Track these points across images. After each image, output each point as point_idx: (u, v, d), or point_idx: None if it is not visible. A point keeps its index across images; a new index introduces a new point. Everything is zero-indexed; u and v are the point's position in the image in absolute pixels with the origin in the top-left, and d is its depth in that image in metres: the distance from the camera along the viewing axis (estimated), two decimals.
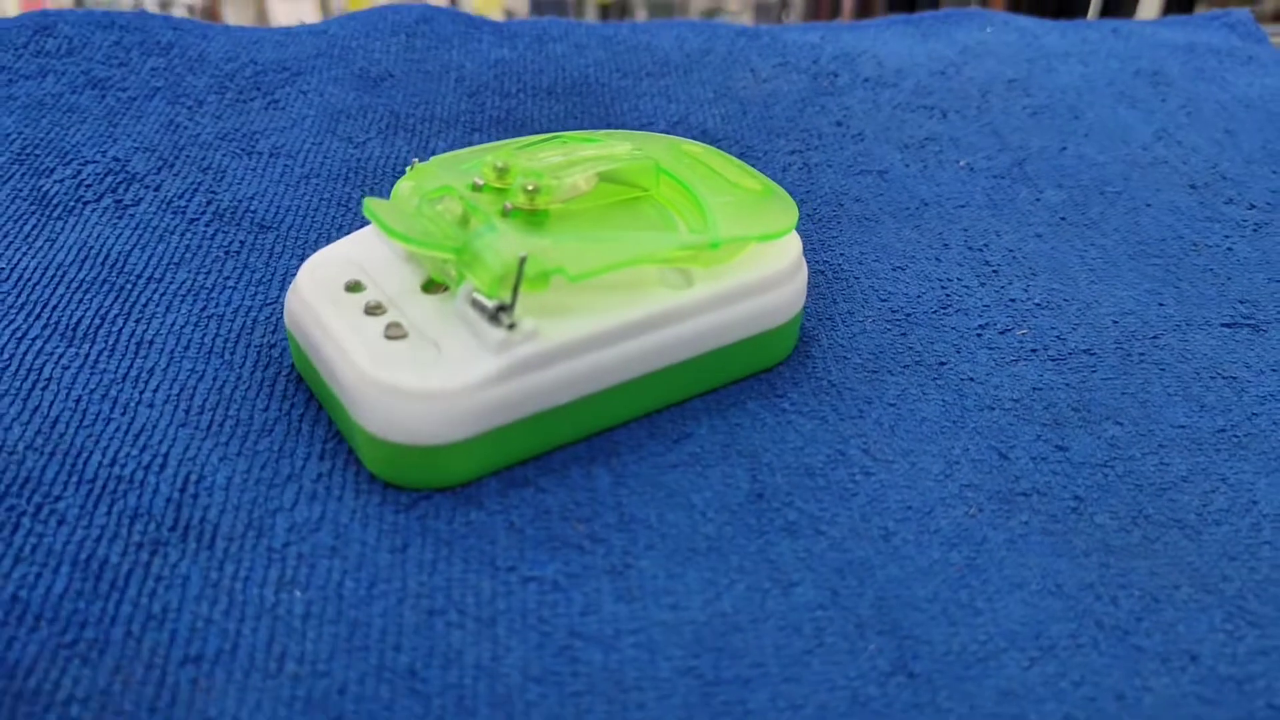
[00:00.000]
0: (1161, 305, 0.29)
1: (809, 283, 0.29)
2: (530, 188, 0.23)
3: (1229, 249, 0.31)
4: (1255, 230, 0.32)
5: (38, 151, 0.33)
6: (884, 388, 0.25)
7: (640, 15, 1.95)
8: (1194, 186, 0.34)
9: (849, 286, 0.29)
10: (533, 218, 0.23)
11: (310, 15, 1.84)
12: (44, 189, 0.32)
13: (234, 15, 1.80)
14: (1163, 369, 0.26)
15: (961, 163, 0.35)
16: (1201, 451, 0.24)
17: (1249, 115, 0.38)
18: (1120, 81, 0.40)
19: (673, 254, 0.23)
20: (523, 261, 0.21)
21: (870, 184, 0.34)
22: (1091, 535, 0.22)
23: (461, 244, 0.22)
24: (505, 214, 0.23)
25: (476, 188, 0.24)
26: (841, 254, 0.30)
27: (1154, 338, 0.27)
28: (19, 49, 0.39)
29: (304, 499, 0.21)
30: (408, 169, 0.25)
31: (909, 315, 0.28)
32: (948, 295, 0.29)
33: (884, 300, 0.28)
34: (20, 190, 0.31)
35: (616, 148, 0.26)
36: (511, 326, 0.21)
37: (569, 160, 0.25)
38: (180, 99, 0.37)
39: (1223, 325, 0.28)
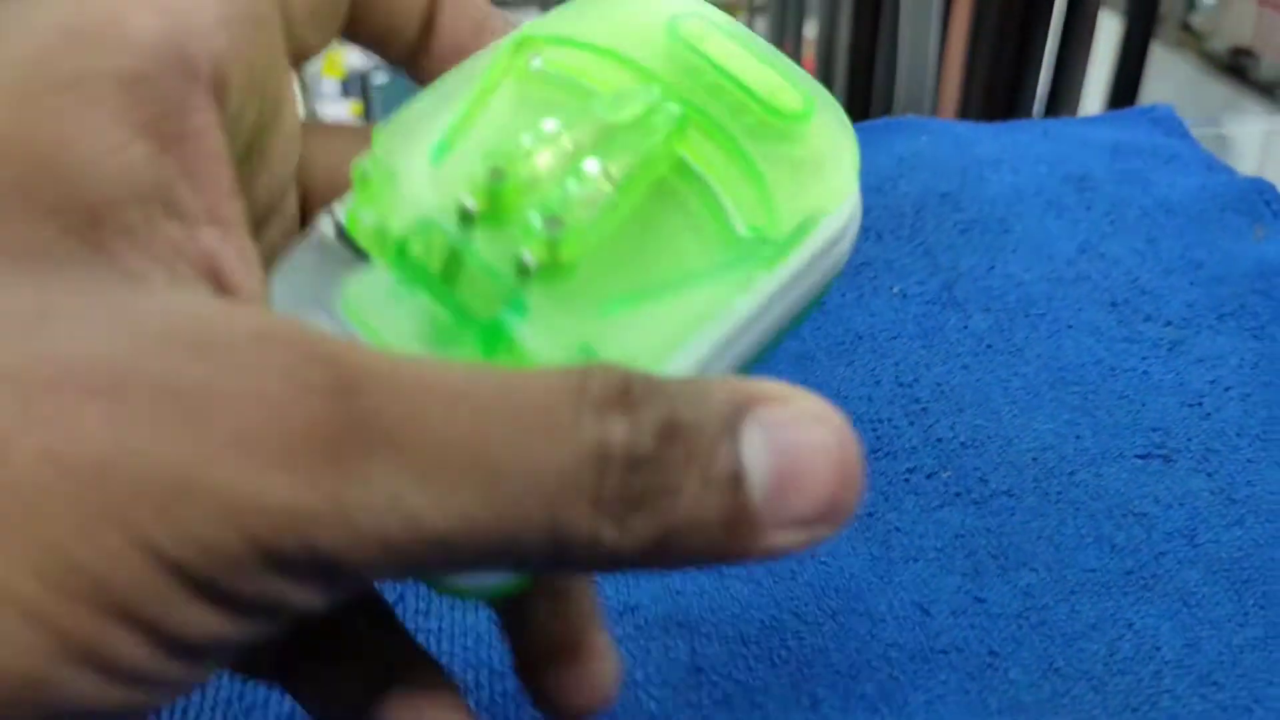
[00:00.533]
0: (1078, 438, 0.31)
1: None
2: (550, 230, 0.17)
3: (1144, 372, 0.33)
4: (1170, 350, 0.34)
5: None
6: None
7: None
8: (1114, 304, 0.36)
9: None
10: (556, 270, 0.18)
11: (345, 111, 1.86)
12: None
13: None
14: (1077, 508, 0.28)
15: (895, 289, 0.37)
16: (1110, 595, 0.26)
17: (1170, 221, 0.40)
18: (1048, 189, 0.42)
19: (745, 276, 0.18)
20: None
21: None
22: (1005, 692, 0.23)
23: (487, 333, 0.17)
24: (525, 273, 0.18)
25: (466, 216, 0.18)
26: None
27: (1070, 474, 0.29)
28: None
29: None
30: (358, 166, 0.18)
31: None
32: (878, 438, 0.30)
33: None
34: None
35: (630, 103, 0.19)
36: None
37: (578, 151, 0.18)
38: None
39: (1135, 456, 0.30)
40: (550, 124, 0.18)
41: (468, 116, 0.19)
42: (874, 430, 0.31)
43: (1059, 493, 0.29)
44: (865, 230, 0.40)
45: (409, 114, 0.19)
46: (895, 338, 0.35)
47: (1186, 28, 1.19)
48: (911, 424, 0.31)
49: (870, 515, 0.28)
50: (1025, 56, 1.09)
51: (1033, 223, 0.40)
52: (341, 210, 0.18)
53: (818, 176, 0.20)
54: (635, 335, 0.17)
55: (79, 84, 0.14)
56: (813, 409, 0.15)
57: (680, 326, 0.18)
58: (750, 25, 1.39)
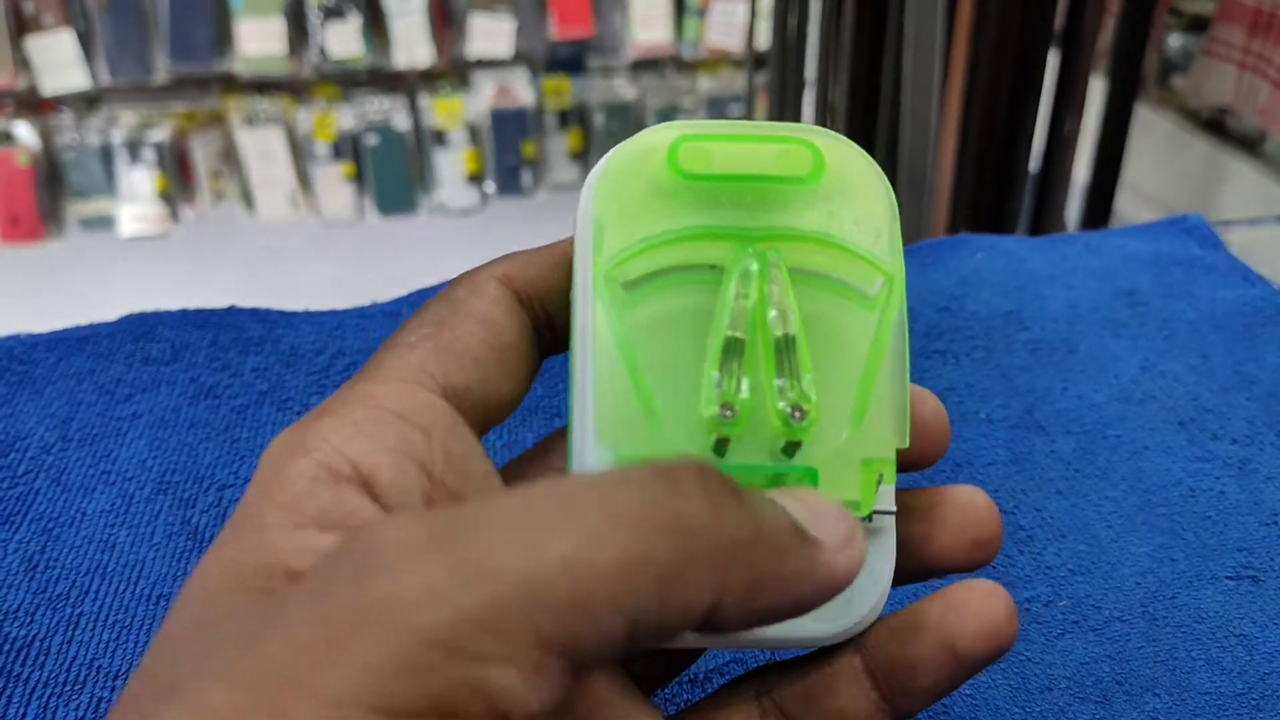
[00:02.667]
0: (1173, 560, 0.34)
1: None
2: (799, 419, 0.21)
3: (1221, 492, 0.36)
4: (1240, 469, 0.37)
5: (176, 478, 0.38)
6: None
7: (598, 119, 2.03)
8: (1182, 423, 0.40)
9: None
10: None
11: (338, 172, 1.88)
12: (193, 521, 0.36)
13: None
14: (1184, 631, 0.31)
15: (981, 415, 0.40)
16: (1227, 717, 0.29)
17: (1218, 336, 0.44)
18: (1103, 306, 0.46)
19: (896, 309, 0.23)
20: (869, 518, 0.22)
21: None
22: None
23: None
24: (787, 453, 0.22)
25: (720, 447, 0.22)
26: None
27: (1171, 598, 0.33)
28: (128, 358, 0.43)
29: None
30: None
31: None
32: (995, 568, 0.34)
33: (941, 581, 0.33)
34: (172, 525, 0.36)
35: (739, 287, 0.23)
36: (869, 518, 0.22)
37: (751, 347, 0.22)
38: (287, 404, 0.41)
39: (1226, 578, 0.33)
40: (721, 338, 0.22)
41: (638, 373, 0.22)
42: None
43: (1165, 616, 0.32)
44: (943, 353, 0.43)
45: (605, 402, 0.22)
46: (990, 464, 0.38)
47: (1168, 87, 1.24)
48: (1021, 552, 0.34)
49: None
50: (1018, 119, 1.14)
51: (1094, 341, 0.44)
52: None
53: (862, 197, 0.23)
54: (880, 422, 0.22)
55: (261, 518, 0.19)
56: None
57: (898, 382, 0.22)
58: (751, 78, 1.43)
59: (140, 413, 0.41)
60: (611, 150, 0.23)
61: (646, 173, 0.23)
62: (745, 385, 0.21)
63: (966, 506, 0.23)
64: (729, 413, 0.21)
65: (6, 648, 0.31)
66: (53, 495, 0.37)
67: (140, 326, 0.45)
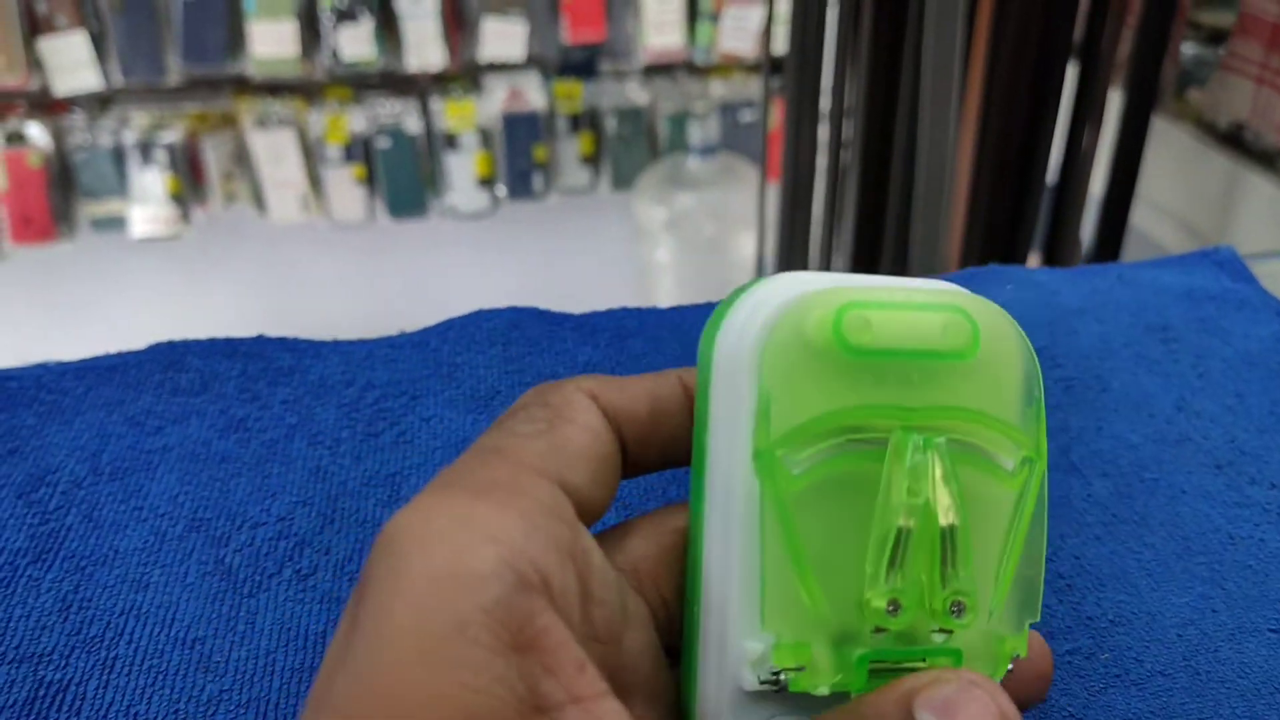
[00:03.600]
0: (1214, 612, 0.34)
1: None
2: (962, 617, 0.22)
3: (1261, 540, 0.36)
4: None
5: (208, 515, 0.38)
6: None
7: (610, 123, 2.02)
8: (1219, 466, 0.39)
9: None
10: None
11: (349, 175, 1.87)
12: (226, 560, 0.36)
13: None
14: (1227, 686, 0.31)
15: None
16: None
17: (1253, 374, 0.44)
18: (1135, 341, 0.45)
19: (1035, 487, 0.23)
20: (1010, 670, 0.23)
21: None
22: None
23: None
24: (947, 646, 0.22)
25: (881, 632, 0.22)
26: None
27: (1214, 651, 0.32)
28: (157, 388, 0.43)
29: None
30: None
31: None
32: None
33: None
34: (205, 564, 0.36)
35: (905, 476, 0.22)
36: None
37: (919, 539, 0.22)
38: (317, 438, 0.41)
39: (1269, 630, 0.33)
40: (894, 526, 0.21)
41: (801, 563, 0.22)
42: None
43: (1208, 670, 0.32)
44: None
45: (770, 594, 0.22)
46: None
47: (1184, 100, 1.24)
48: (1060, 602, 0.34)
49: (1046, 701, 0.31)
50: (1036, 131, 1.14)
51: (1128, 378, 0.44)
52: (752, 675, 0.22)
53: (1010, 369, 0.23)
54: (1018, 598, 0.23)
55: (461, 628, 0.18)
56: (970, 677, 0.20)
57: (1035, 559, 0.23)
58: (767, 83, 1.42)
59: (170, 445, 0.40)
60: (774, 315, 0.22)
61: (812, 347, 0.22)
62: (911, 581, 0.22)
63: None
64: (896, 610, 0.21)
65: (43, 692, 0.31)
66: (84, 532, 0.37)
67: (169, 355, 0.45)
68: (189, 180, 1.98)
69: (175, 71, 1.88)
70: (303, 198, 2.00)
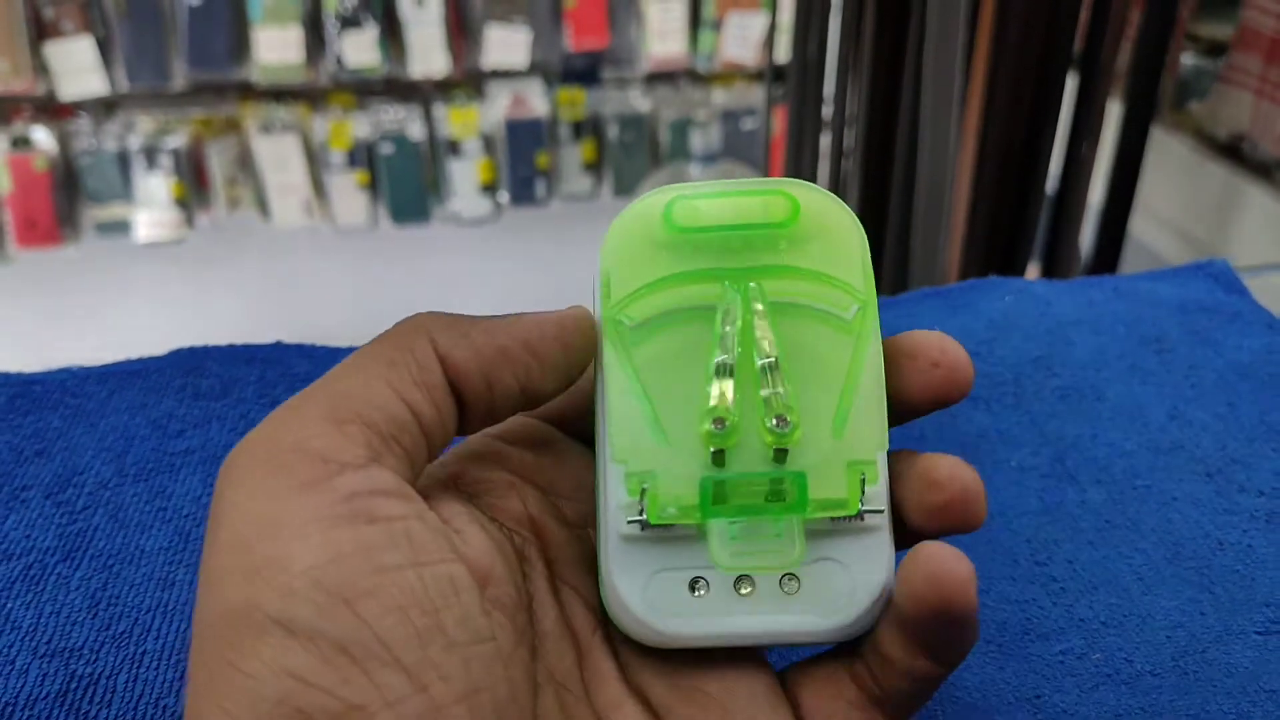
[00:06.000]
0: (1203, 614, 0.35)
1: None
2: (784, 428, 0.25)
3: (1249, 546, 0.37)
4: (1267, 521, 0.38)
5: None
6: None
7: (612, 130, 2.04)
8: (1209, 474, 0.40)
9: None
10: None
11: (352, 181, 1.89)
12: None
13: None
14: (1215, 686, 0.32)
15: (1012, 463, 0.41)
16: None
17: (1244, 385, 0.45)
18: (1130, 352, 0.47)
19: (870, 333, 0.26)
20: (863, 482, 0.25)
21: None
22: None
23: (795, 507, 0.24)
24: (778, 460, 0.25)
25: (719, 459, 0.25)
26: None
27: (1202, 652, 0.34)
28: (179, 393, 0.44)
29: None
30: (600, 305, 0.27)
31: (1000, 645, 0.34)
32: (1028, 619, 0.35)
33: None
34: None
35: (724, 315, 0.26)
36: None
37: (737, 363, 0.25)
38: None
39: (1256, 633, 0.34)
40: (713, 362, 0.25)
41: (646, 398, 0.26)
42: (1023, 611, 0.35)
43: (1196, 671, 0.33)
44: (974, 399, 0.44)
45: (616, 427, 0.26)
46: (1022, 514, 0.39)
47: (1184, 111, 1.25)
48: (1054, 604, 0.35)
49: (1039, 698, 0.32)
50: (1036, 141, 1.15)
51: (1122, 388, 0.45)
52: (624, 518, 0.25)
53: (835, 236, 0.27)
54: (861, 429, 0.25)
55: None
56: None
57: (875, 393, 0.25)
58: (769, 91, 1.44)
59: (193, 448, 0.42)
60: (618, 215, 0.27)
61: (646, 231, 0.27)
62: (734, 402, 0.25)
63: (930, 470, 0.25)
64: (721, 426, 0.25)
65: (74, 685, 0.32)
66: (111, 531, 0.38)
67: (189, 361, 0.46)
68: (193, 185, 1.99)
69: (180, 77, 1.90)
70: (306, 203, 2.01)
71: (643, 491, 0.25)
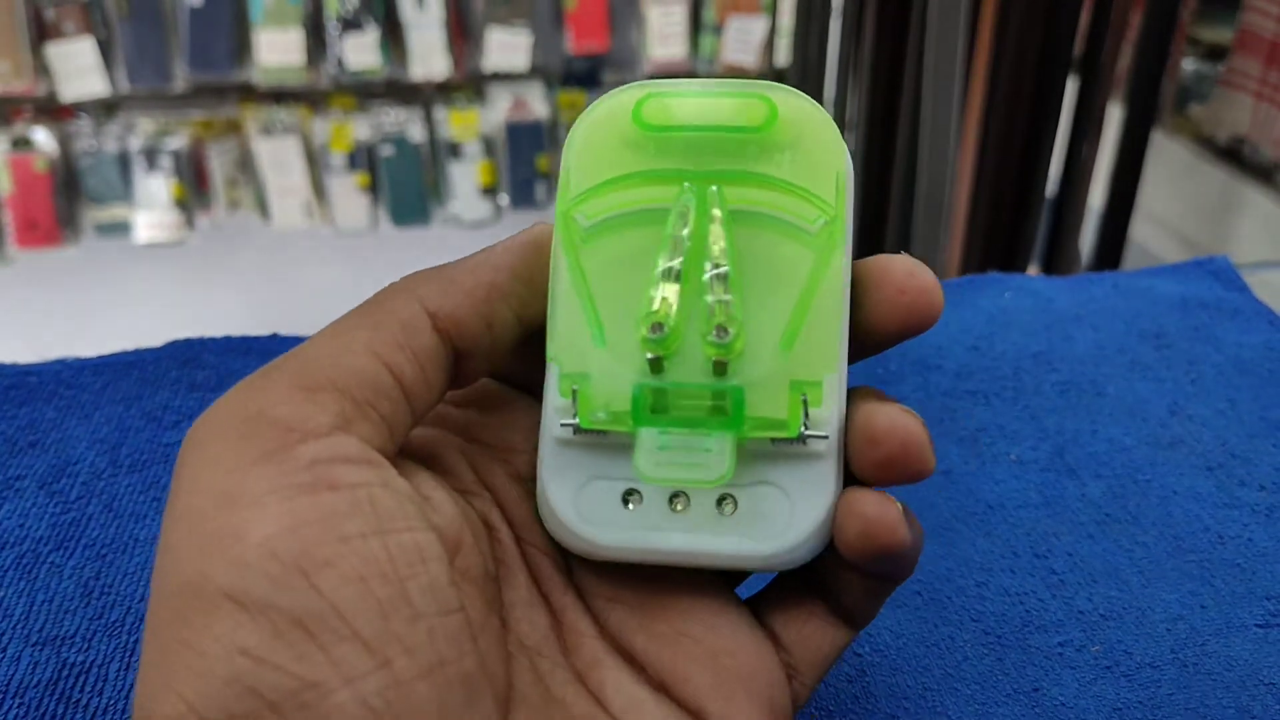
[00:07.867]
0: (1203, 608, 0.35)
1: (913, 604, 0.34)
2: (723, 338, 0.23)
3: (1249, 539, 0.37)
4: (1268, 515, 0.38)
5: None
6: None
7: None
8: (1210, 469, 0.40)
9: (943, 608, 0.35)
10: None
11: (353, 182, 1.89)
12: None
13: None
14: (1214, 679, 0.32)
15: (1012, 456, 0.41)
16: None
17: (1244, 381, 0.45)
18: (1130, 348, 0.47)
19: (837, 247, 0.24)
20: (805, 402, 0.23)
21: (938, 485, 0.39)
22: None
23: (732, 422, 0.23)
24: (724, 371, 0.24)
25: (658, 365, 0.24)
26: (930, 570, 0.36)
27: (1202, 645, 0.33)
28: (174, 384, 0.44)
29: None
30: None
31: (1000, 637, 0.34)
32: (1027, 611, 0.34)
33: (975, 621, 0.34)
34: None
35: (680, 217, 0.25)
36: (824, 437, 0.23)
37: (684, 270, 0.24)
38: None
39: (1256, 626, 0.34)
40: (659, 267, 0.24)
41: (590, 299, 0.24)
42: (1022, 604, 0.35)
43: (1195, 663, 0.33)
44: (974, 393, 0.44)
45: (557, 328, 0.24)
46: (1022, 506, 0.39)
47: (1184, 115, 1.25)
48: (1054, 596, 0.35)
49: (1037, 690, 0.32)
50: (1036, 144, 1.15)
51: (1122, 383, 0.45)
52: (558, 421, 0.24)
53: (814, 146, 0.25)
54: (812, 349, 0.24)
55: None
56: None
57: (831, 314, 0.24)
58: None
59: None
60: (587, 108, 0.26)
61: (614, 127, 0.25)
62: (677, 308, 0.24)
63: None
64: (659, 331, 0.23)
65: (66, 673, 0.32)
66: (105, 521, 0.38)
67: (185, 352, 0.46)
68: (193, 186, 1.99)
69: (181, 78, 1.90)
70: (306, 205, 2.01)
71: (574, 394, 0.24)
